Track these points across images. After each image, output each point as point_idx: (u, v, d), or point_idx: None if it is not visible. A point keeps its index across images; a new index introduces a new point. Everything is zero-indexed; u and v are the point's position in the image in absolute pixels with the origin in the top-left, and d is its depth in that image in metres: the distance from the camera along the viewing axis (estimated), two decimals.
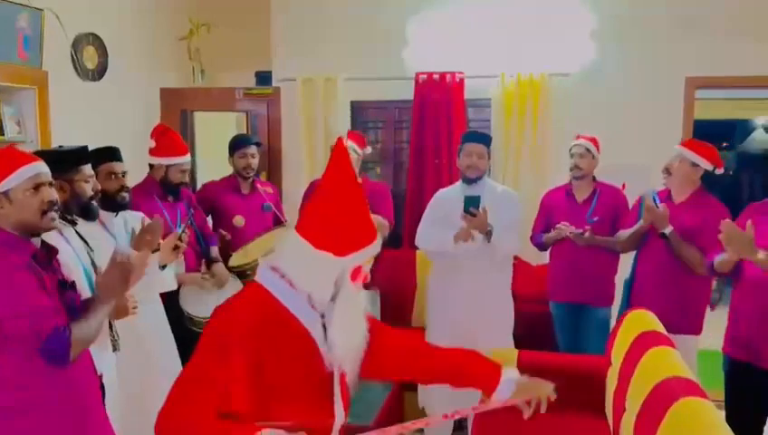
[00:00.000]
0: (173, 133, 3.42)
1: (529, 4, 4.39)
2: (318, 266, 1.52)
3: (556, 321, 3.72)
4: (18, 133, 3.62)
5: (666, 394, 2.05)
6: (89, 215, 2.35)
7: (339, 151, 1.60)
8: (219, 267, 3.35)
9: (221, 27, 4.95)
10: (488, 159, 3.37)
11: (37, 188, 1.85)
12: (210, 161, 5.04)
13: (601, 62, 4.39)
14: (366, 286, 1.73)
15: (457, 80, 4.43)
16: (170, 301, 3.07)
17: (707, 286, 3.23)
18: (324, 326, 1.58)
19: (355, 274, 1.56)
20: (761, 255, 2.42)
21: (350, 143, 3.54)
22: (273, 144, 4.84)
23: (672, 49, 4.30)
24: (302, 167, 4.72)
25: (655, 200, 3.14)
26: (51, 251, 1.92)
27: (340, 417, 1.63)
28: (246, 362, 1.47)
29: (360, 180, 3.51)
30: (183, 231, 2.77)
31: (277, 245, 1.62)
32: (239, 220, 3.64)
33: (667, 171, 3.20)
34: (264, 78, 4.91)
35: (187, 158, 3.32)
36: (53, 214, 1.87)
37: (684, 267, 3.08)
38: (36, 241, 1.88)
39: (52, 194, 1.89)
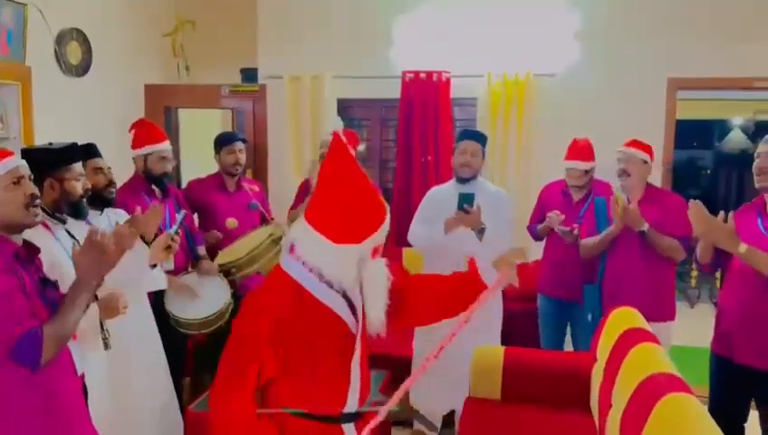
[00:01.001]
0: (150, 123, 3.41)
1: (515, 5, 4.43)
2: (341, 258, 1.67)
3: (542, 315, 3.75)
4: (0, 129, 3.57)
5: (652, 390, 2.09)
6: (79, 213, 2.32)
7: (337, 145, 1.72)
8: (206, 263, 3.33)
9: (206, 24, 4.93)
10: (482, 158, 3.39)
11: (18, 181, 1.81)
12: (195, 159, 5.01)
13: (586, 63, 4.45)
14: None
15: (444, 79, 4.46)
16: (156, 302, 3.05)
17: (672, 274, 3.31)
18: (348, 300, 1.76)
19: (374, 253, 1.71)
20: (742, 248, 2.48)
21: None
22: (259, 142, 4.83)
23: (654, 50, 4.37)
24: (288, 164, 4.72)
25: (627, 199, 3.20)
26: (32, 249, 1.87)
27: (356, 382, 1.79)
28: (271, 340, 1.67)
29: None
30: (176, 232, 2.75)
31: (289, 237, 1.79)
32: (232, 223, 3.61)
33: (626, 173, 3.23)
34: (249, 75, 4.89)
35: (165, 145, 3.27)
36: (36, 208, 1.83)
37: (656, 262, 3.15)
38: (18, 239, 1.84)
39: (32, 187, 1.85)
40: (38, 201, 1.84)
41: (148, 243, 2.51)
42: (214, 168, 3.85)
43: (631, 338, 2.60)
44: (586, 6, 4.42)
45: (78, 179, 2.31)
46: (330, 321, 1.74)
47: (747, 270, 2.57)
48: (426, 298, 2.00)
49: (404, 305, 1.91)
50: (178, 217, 2.92)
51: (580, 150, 3.58)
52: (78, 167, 2.33)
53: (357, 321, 1.80)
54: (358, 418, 1.82)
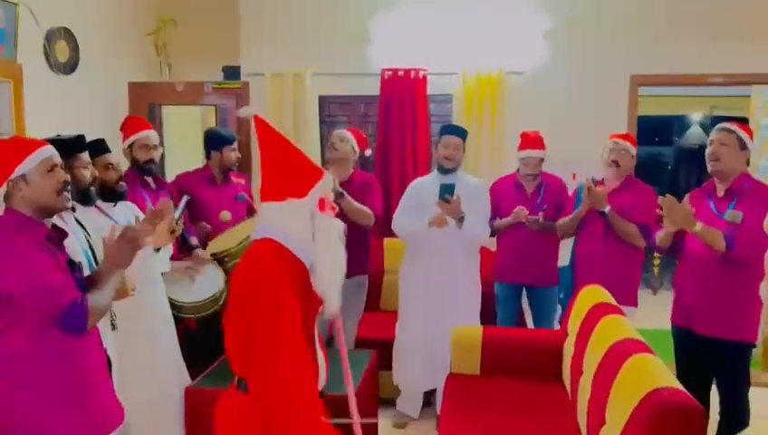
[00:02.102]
0: (133, 117, 3.61)
1: (488, 6, 4.65)
2: (291, 214, 1.81)
3: (500, 301, 3.97)
4: None
5: (618, 354, 2.33)
6: (88, 200, 2.47)
7: (259, 124, 1.89)
8: (200, 252, 3.48)
9: (188, 23, 5.05)
10: (463, 152, 3.62)
11: (51, 169, 1.97)
12: (178, 154, 5.14)
13: (553, 61, 4.69)
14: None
15: (421, 76, 4.66)
16: None
17: (640, 263, 3.57)
18: None
19: (321, 205, 1.84)
20: (698, 226, 2.74)
21: (348, 135, 3.71)
22: (242, 138, 4.96)
23: (617, 49, 4.62)
24: None
25: (594, 183, 3.47)
26: (61, 233, 2.05)
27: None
28: (299, 304, 1.76)
29: (351, 171, 3.72)
30: (180, 216, 2.90)
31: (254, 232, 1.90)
32: (226, 215, 3.75)
33: (616, 164, 3.50)
34: (231, 73, 5.01)
35: (147, 132, 3.41)
36: (67, 194, 2.01)
37: (619, 246, 3.41)
38: (48, 223, 2.00)
39: (65, 175, 2.01)
40: (69, 187, 2.01)
41: None
42: (196, 162, 3.97)
43: (599, 312, 2.85)
44: (554, 7, 4.66)
45: (86, 168, 2.47)
46: (308, 282, 1.83)
47: (699, 250, 2.84)
48: None
49: None
50: (182, 202, 3.06)
51: (534, 140, 3.84)
52: (85, 156, 2.48)
53: None
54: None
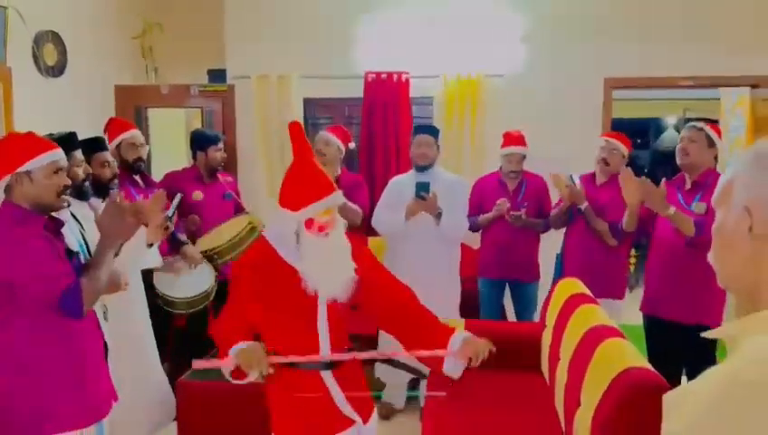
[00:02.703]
0: (117, 118, 3.71)
1: (468, 11, 4.79)
2: (282, 220, 2.02)
3: (483, 296, 4.10)
4: None
5: (593, 339, 2.46)
6: (83, 196, 2.56)
7: (293, 132, 2.09)
8: (190, 249, 3.57)
9: (174, 27, 5.13)
10: (437, 149, 3.74)
11: (56, 172, 2.07)
12: (163, 155, 5.23)
13: (531, 65, 4.84)
14: None
15: (403, 79, 4.79)
16: (144, 282, 3.28)
17: (626, 257, 3.73)
18: None
19: (308, 224, 2.00)
20: (671, 210, 2.90)
21: (332, 137, 3.83)
22: (228, 139, 5.04)
23: (592, 53, 4.78)
24: (257, 161, 4.96)
25: (573, 180, 3.62)
26: (57, 223, 2.13)
27: (324, 337, 2.05)
28: (250, 288, 2.03)
29: (339, 171, 3.85)
30: (173, 212, 3.00)
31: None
32: (197, 195, 3.86)
33: (606, 162, 3.64)
34: (216, 76, 5.11)
35: (132, 132, 3.54)
36: (66, 196, 2.10)
37: (594, 239, 3.56)
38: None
39: (67, 179, 2.12)
40: (68, 190, 2.10)
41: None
42: (181, 163, 4.07)
43: (574, 302, 2.98)
44: (531, 12, 4.81)
45: (79, 165, 2.56)
46: (294, 279, 1.99)
47: (667, 237, 3.00)
48: (392, 313, 2.16)
49: (367, 301, 2.14)
50: (175, 200, 3.15)
51: (517, 138, 3.99)
52: (78, 154, 2.58)
53: None
54: (333, 366, 2.07)
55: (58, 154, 2.08)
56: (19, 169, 2.01)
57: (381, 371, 3.85)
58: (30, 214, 2.03)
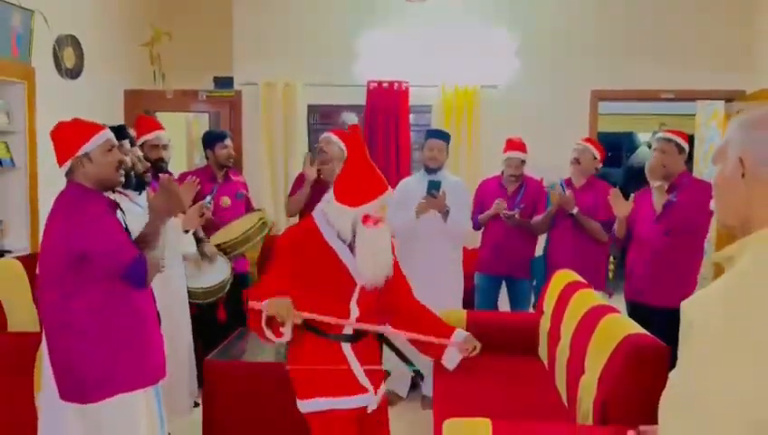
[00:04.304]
0: (144, 117, 3.88)
1: (465, 25, 5.10)
2: (340, 214, 2.23)
3: (480, 290, 4.36)
4: (8, 124, 3.89)
5: (594, 316, 2.71)
6: (129, 184, 2.75)
7: (351, 136, 2.32)
8: (209, 247, 3.75)
9: (182, 35, 5.34)
10: (446, 154, 4.02)
11: (111, 149, 2.26)
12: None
13: (524, 77, 5.15)
14: None
15: (403, 88, 5.07)
16: None
17: (606, 254, 4.09)
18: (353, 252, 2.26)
19: (365, 219, 2.23)
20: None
21: (334, 138, 4.06)
22: (235, 144, 5.23)
23: (580, 66, 5.12)
24: (263, 165, 5.17)
25: (563, 187, 3.95)
26: (114, 204, 2.32)
27: (354, 314, 2.27)
28: (290, 261, 2.21)
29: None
30: (210, 201, 3.19)
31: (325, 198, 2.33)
32: (226, 201, 4.05)
33: (578, 161, 3.99)
34: (222, 83, 5.32)
35: (156, 133, 3.69)
36: (122, 171, 2.30)
37: (586, 240, 3.90)
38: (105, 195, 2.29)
39: (120, 154, 2.31)
40: (124, 166, 2.29)
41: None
42: (181, 167, 4.22)
43: (571, 289, 3.24)
44: (524, 27, 5.14)
45: (126, 154, 2.75)
46: (334, 261, 2.22)
47: (644, 231, 3.40)
48: (404, 308, 2.49)
49: (386, 303, 2.40)
50: (212, 191, 3.34)
51: (517, 144, 4.28)
52: (126, 144, 2.77)
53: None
54: (353, 339, 2.29)
55: (108, 133, 2.27)
56: (78, 153, 2.20)
57: (386, 360, 4.05)
58: (94, 193, 2.22)
